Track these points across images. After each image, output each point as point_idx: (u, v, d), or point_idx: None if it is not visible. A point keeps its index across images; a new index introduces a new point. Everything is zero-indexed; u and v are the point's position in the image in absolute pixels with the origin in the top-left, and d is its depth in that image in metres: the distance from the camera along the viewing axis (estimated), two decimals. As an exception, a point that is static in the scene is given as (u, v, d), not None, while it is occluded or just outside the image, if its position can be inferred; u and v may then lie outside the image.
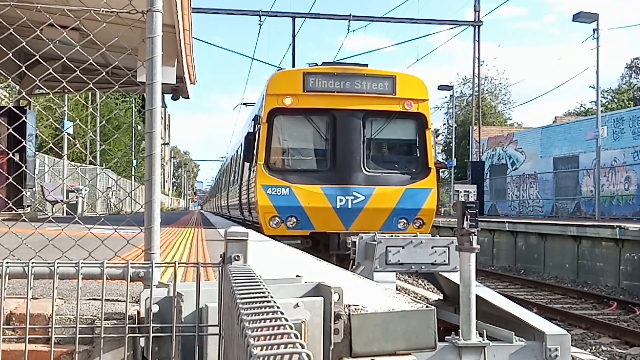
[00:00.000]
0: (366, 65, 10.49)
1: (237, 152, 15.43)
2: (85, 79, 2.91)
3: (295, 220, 9.69)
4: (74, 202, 20.66)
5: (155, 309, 2.22)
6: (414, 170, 10.26)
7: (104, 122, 28.96)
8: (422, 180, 10.08)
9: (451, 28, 30.28)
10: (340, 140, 9.95)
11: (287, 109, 9.91)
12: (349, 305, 2.40)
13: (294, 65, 27.13)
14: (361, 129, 10.01)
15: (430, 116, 10.42)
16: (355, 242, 9.10)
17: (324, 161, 10.20)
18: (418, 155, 10.33)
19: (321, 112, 10.02)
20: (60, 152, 23.41)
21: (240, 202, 12.76)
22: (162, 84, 2.72)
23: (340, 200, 9.73)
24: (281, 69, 16.40)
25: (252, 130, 10.74)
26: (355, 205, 9.76)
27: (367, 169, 10.00)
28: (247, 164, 11.36)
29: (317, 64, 10.81)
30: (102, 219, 2.99)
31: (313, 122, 10.11)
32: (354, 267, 9.66)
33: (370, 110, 10.07)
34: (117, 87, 7.64)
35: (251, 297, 1.34)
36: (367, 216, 9.78)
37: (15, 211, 9.38)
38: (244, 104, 26.74)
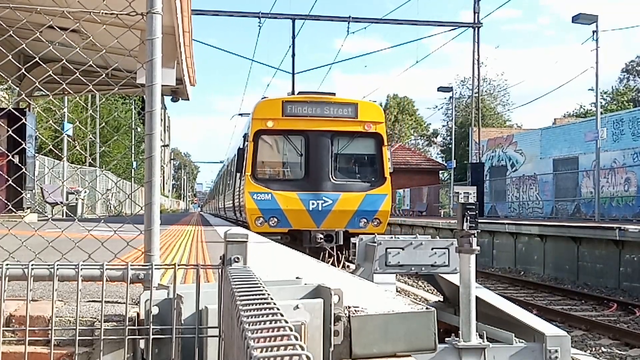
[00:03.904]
0: (334, 94, 12.66)
1: (232, 160, 17.59)
2: (85, 80, 2.91)
3: (276, 220, 11.71)
4: (74, 204, 20.68)
5: (155, 310, 2.22)
6: (372, 179, 12.37)
7: (103, 124, 28.96)
8: (379, 187, 12.18)
9: (450, 30, 30.29)
10: (313, 155, 12.05)
11: (269, 130, 12.10)
12: (349, 307, 2.40)
13: (293, 66, 28.26)
14: (329, 146, 12.11)
15: (386, 135, 12.66)
16: (322, 237, 11.62)
17: (299, 172, 12.30)
18: (376, 167, 12.44)
19: (297, 132, 12.12)
20: (60, 154, 23.42)
21: (234, 205, 14.97)
22: (162, 85, 2.72)
23: (313, 204, 11.76)
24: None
25: (242, 147, 12.79)
26: (325, 207, 11.82)
27: (334, 178, 12.08)
28: (238, 174, 13.41)
29: (293, 93, 13.22)
30: (102, 221, 2.99)
31: (290, 140, 12.26)
32: (327, 258, 11.56)
33: (337, 131, 12.17)
34: (116, 89, 7.65)
35: (251, 299, 1.34)
36: (334, 216, 11.83)
37: (15, 213, 9.38)
38: (240, 114, 29.17)
